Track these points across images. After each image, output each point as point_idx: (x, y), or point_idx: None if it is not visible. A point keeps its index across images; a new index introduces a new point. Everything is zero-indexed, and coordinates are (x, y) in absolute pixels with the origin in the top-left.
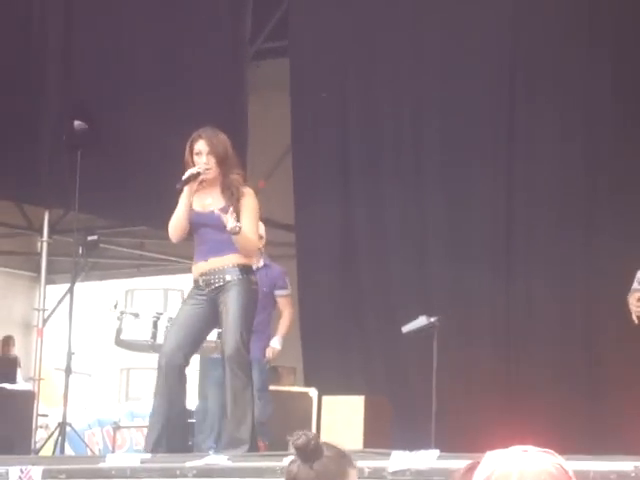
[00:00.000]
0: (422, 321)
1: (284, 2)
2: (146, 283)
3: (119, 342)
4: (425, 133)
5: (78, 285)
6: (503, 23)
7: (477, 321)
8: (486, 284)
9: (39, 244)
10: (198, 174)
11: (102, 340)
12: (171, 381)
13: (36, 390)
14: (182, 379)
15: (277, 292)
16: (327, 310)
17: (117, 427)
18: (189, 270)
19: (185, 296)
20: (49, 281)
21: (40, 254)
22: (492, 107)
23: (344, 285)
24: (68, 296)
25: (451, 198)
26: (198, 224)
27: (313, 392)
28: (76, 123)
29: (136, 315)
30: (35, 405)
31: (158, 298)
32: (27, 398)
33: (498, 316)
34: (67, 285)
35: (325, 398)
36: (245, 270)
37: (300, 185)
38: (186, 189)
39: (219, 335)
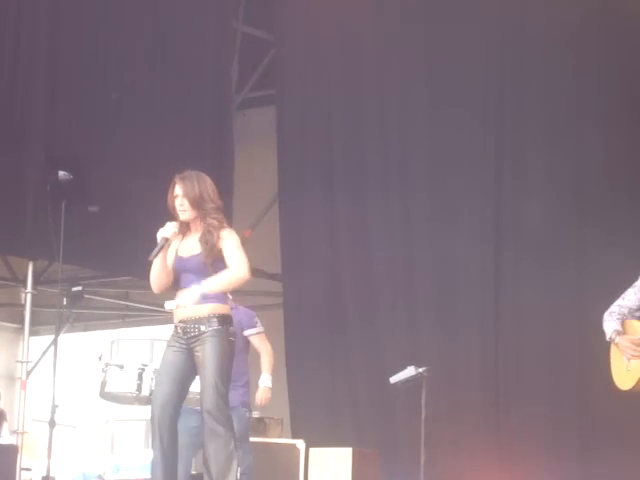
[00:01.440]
0: (410, 371)
1: (270, 51)
2: (132, 333)
3: (104, 394)
4: (413, 177)
5: (62, 336)
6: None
7: (466, 371)
8: (475, 333)
9: (23, 295)
10: (166, 240)
11: (87, 392)
12: (165, 433)
13: (19, 444)
14: (175, 430)
15: (247, 332)
16: (314, 360)
17: None
18: None
19: (169, 338)
20: (33, 333)
21: (24, 305)
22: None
23: (331, 335)
24: (52, 348)
25: (438, 249)
26: (180, 269)
27: (301, 444)
28: (60, 173)
29: (121, 367)
30: (18, 459)
31: (144, 349)
32: (10, 452)
33: (487, 365)
34: (51, 337)
35: (313, 450)
36: (223, 321)
37: (286, 234)
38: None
39: None
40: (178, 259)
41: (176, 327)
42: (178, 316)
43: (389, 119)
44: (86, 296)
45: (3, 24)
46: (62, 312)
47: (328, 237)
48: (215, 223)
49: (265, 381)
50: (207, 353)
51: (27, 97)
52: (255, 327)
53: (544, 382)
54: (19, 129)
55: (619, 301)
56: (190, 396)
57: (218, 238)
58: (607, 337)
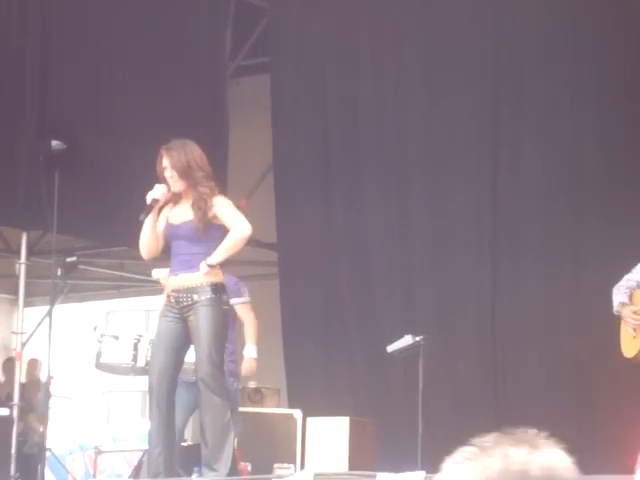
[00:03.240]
0: (407, 340)
1: (264, 18)
2: (127, 304)
3: (99, 365)
4: (409, 149)
5: (57, 307)
6: (487, 37)
7: (463, 340)
8: (472, 302)
9: (17, 266)
10: (156, 201)
11: (83, 363)
12: (163, 402)
13: (15, 415)
14: (173, 400)
15: (232, 301)
16: (311, 330)
17: (99, 452)
18: None
19: (161, 309)
20: (28, 304)
21: (18, 276)
22: (476, 120)
23: (328, 304)
24: (47, 319)
25: (435, 219)
26: (172, 236)
27: (298, 414)
28: (54, 143)
29: (116, 337)
30: (14, 430)
31: (139, 319)
32: (5, 423)
33: (485, 334)
34: (46, 307)
35: (310, 419)
36: (216, 289)
37: (282, 203)
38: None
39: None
40: (169, 226)
41: (169, 297)
42: (170, 285)
43: (385, 85)
44: (80, 267)
45: None
46: (56, 283)
47: (324, 206)
48: (207, 191)
49: (250, 352)
50: (201, 322)
51: (20, 66)
52: (241, 297)
53: (543, 352)
54: (11, 98)
55: (628, 275)
56: (185, 367)
57: (211, 205)
58: (614, 310)
